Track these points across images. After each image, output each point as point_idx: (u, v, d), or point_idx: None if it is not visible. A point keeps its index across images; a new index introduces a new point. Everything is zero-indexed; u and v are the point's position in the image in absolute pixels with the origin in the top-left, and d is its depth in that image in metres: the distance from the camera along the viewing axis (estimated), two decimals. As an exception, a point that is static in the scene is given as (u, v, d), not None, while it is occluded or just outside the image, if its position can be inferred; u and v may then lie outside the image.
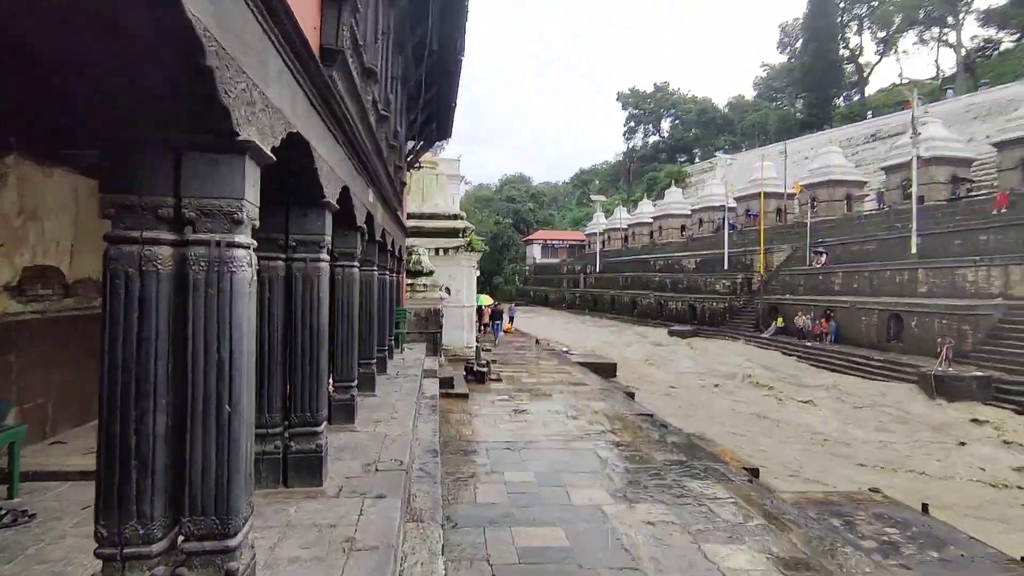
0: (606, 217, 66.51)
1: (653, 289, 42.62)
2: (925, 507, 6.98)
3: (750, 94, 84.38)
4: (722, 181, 49.36)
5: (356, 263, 5.55)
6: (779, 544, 5.01)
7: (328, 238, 3.93)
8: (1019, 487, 9.86)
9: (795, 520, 5.68)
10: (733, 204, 44.18)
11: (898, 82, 65.84)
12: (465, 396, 10.89)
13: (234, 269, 2.15)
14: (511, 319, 29.31)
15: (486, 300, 24.99)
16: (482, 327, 24.13)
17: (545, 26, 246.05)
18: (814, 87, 64.53)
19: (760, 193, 39.09)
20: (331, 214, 4.02)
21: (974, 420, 14.16)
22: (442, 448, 6.83)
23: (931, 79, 60.78)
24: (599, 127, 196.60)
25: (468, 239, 16.03)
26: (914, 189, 26.30)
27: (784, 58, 76.00)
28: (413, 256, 14.46)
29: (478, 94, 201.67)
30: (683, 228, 53.30)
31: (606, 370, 17.67)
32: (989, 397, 15.89)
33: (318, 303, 3.86)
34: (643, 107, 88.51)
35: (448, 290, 15.91)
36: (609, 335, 33.17)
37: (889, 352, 21.42)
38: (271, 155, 2.40)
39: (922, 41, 62.21)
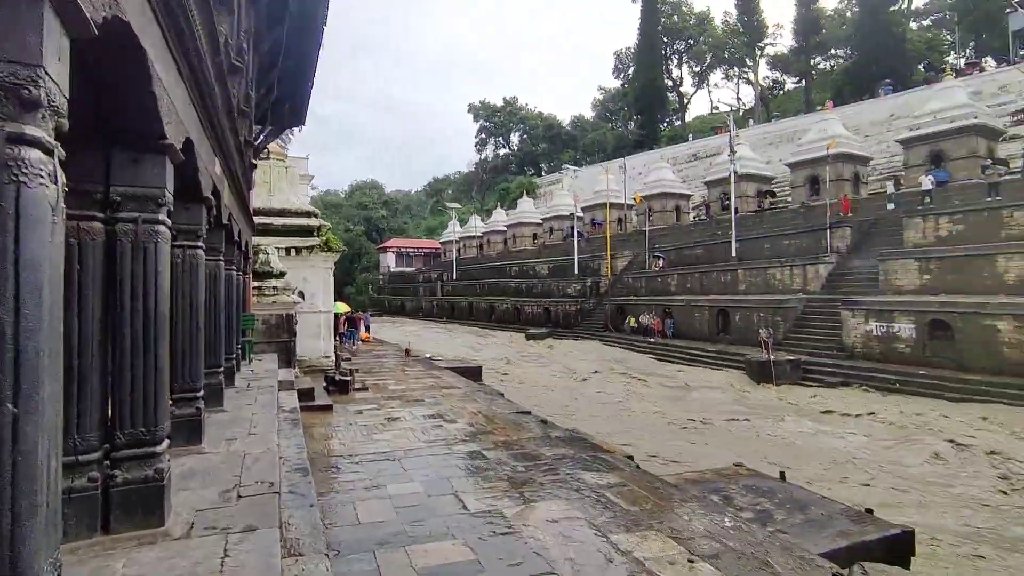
0: (461, 225, 66.82)
1: (509, 295, 43.52)
2: (782, 475, 7.63)
3: (589, 114, 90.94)
4: (569, 192, 52.28)
5: (201, 244, 4.48)
6: (679, 525, 4.97)
7: (169, 195, 2.97)
8: (848, 453, 11.39)
9: (685, 500, 5.76)
10: (580, 213, 46.97)
11: (710, 111, 75.76)
12: (328, 408, 9.76)
13: (23, 179, 1.32)
14: (367, 328, 27.82)
15: (342, 307, 23.32)
16: (338, 336, 22.43)
17: (399, 31, 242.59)
18: (644, 111, 71.56)
19: (605, 203, 42.02)
20: (173, 166, 3.06)
21: (793, 397, 16.30)
22: (312, 466, 5.86)
23: (735, 110, 70.70)
24: (451, 137, 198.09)
25: (324, 238, 14.66)
26: (732, 201, 30.07)
27: (618, 83, 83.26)
28: (261, 256, 12.79)
29: (324, 98, 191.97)
30: (535, 236, 55.41)
31: (472, 373, 17.33)
32: (800, 377, 18.48)
33: (155, 280, 2.88)
34: (494, 120, 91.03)
35: (302, 294, 14.38)
36: (470, 340, 33.03)
37: (719, 343, 24.05)
38: (87, 15, 1.57)
39: (728, 77, 72.41)
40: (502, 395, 13.38)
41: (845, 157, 30.11)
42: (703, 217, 38.90)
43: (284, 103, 9.82)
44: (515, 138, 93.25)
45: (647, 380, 19.67)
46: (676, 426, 13.57)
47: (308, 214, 15.10)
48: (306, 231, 14.66)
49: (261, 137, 12.21)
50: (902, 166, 29.03)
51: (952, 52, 52.78)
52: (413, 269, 70.47)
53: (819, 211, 27.22)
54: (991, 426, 12.35)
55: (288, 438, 6.52)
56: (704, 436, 12.54)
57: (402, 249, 74.97)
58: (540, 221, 54.83)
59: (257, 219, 13.95)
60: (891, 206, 25.94)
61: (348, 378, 11.61)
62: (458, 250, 61.53)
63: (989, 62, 45.54)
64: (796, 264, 24.26)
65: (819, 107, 45.95)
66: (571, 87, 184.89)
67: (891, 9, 50.26)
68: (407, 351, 19.57)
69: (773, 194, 36.45)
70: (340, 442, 7.70)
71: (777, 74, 67.82)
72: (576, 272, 38.56)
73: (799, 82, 64.02)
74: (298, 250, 14.44)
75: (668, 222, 40.47)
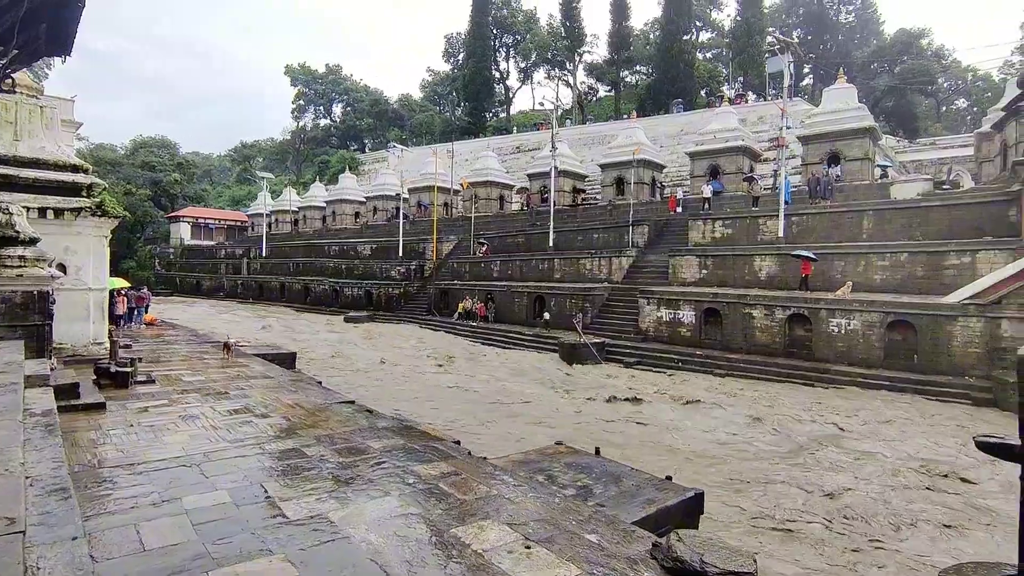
0: (274, 198, 61.07)
1: (328, 275, 41.07)
2: (597, 450, 8.24)
3: (418, 95, 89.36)
4: (396, 172, 50.92)
5: None
6: (513, 510, 5.01)
7: None
8: (635, 422, 12.78)
9: (517, 484, 5.85)
10: (407, 195, 46.05)
11: (533, 108, 79.66)
12: (100, 406, 8.03)
13: None
14: (146, 308, 23.72)
15: (120, 283, 19.56)
16: (116, 319, 18.82)
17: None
18: (472, 98, 72.59)
19: (433, 187, 41.72)
20: None
21: (598, 376, 17.93)
22: (76, 483, 4.70)
23: (557, 107, 75.27)
24: (263, 99, 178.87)
25: (98, 199, 12.00)
26: (552, 194, 31.99)
27: (448, 67, 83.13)
28: (1, 216, 9.98)
29: (101, 30, 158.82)
30: (358, 215, 53.05)
31: (286, 360, 15.89)
32: (604, 358, 20.45)
33: None
34: (314, 87, 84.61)
35: (63, 267, 11.65)
36: (282, 324, 30.37)
37: (536, 328, 25.51)
38: None
39: (550, 77, 76.60)
40: (320, 383, 12.45)
41: (646, 163, 33.97)
42: (525, 208, 40.80)
43: (40, 20, 7.70)
44: (338, 109, 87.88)
45: (469, 363, 20.04)
46: (498, 407, 13.99)
47: (75, 168, 12.23)
48: (71, 189, 11.87)
49: (3, 60, 9.58)
50: (688, 175, 33.69)
51: (726, 83, 62.74)
52: (213, 243, 62.57)
53: (624, 210, 30.33)
54: (745, 394, 15.01)
55: (39, 450, 5.15)
56: (525, 415, 13.13)
57: (200, 220, 66.01)
58: (364, 199, 52.61)
59: (-6, 169, 10.99)
60: (679, 209, 29.97)
61: (128, 369, 9.70)
62: (269, 225, 56.20)
63: (751, 96, 55.39)
64: (604, 256, 26.74)
65: (626, 116, 51.17)
66: (400, 65, 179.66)
67: (684, 38, 57.83)
68: (227, 346, 14.06)
69: (584, 191, 39.68)
70: (118, 449, 6.34)
71: (592, 81, 73.86)
72: (401, 254, 37.78)
73: (610, 91, 70.50)
74: (58, 212, 11.63)
75: (493, 210, 41.68)
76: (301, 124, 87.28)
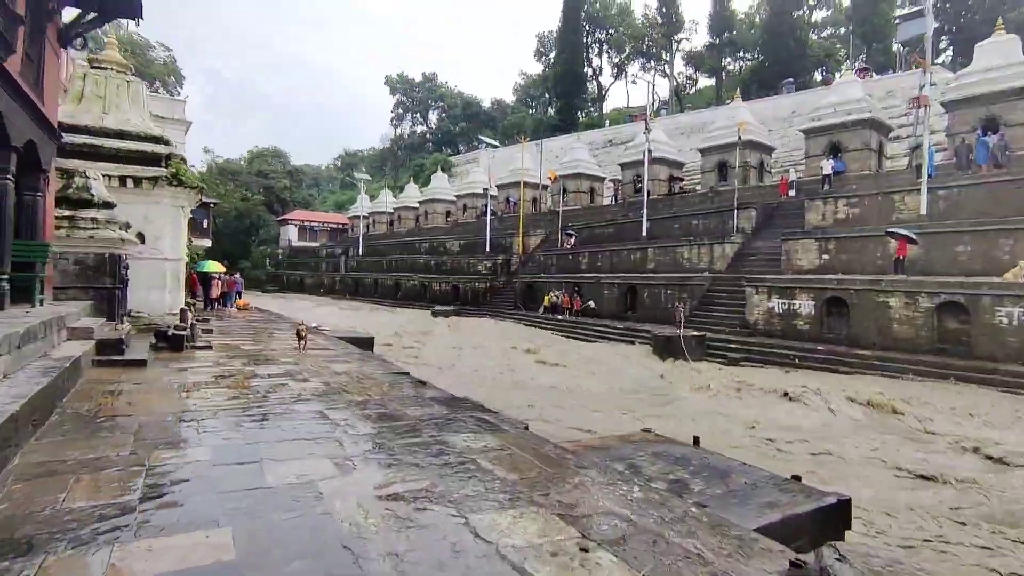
0: (371, 200, 63.34)
1: (418, 272, 41.39)
2: (696, 440, 6.50)
3: (510, 98, 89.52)
4: (485, 170, 50.65)
5: None
6: (572, 498, 3.52)
7: None
8: (749, 424, 10.70)
9: (582, 467, 4.35)
10: (495, 192, 45.51)
11: (627, 104, 76.83)
12: (141, 363, 7.51)
13: None
14: (239, 294, 24.26)
15: (216, 267, 20.25)
16: (209, 302, 19.46)
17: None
18: (564, 95, 71.17)
19: (520, 182, 40.82)
20: None
21: (696, 372, 15.76)
22: (47, 428, 3.85)
23: (654, 100, 72.05)
24: (366, 109, 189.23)
25: (175, 169, 12.00)
26: (645, 179, 29.78)
27: (540, 67, 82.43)
28: (77, 180, 10.05)
29: (228, 58, 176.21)
30: (448, 213, 53.43)
31: (362, 343, 15.33)
32: (704, 353, 18.13)
33: None
34: (412, 95, 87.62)
35: (142, 236, 11.71)
36: (371, 316, 30.72)
37: (627, 320, 23.51)
38: None
39: (645, 70, 73.49)
40: (383, 359, 11.58)
41: (752, 144, 30.70)
42: (618, 200, 38.71)
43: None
44: (433, 116, 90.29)
45: (551, 355, 18.57)
46: (579, 399, 12.43)
47: (155, 139, 12.34)
48: (150, 159, 11.94)
49: (76, 26, 9.57)
50: (803, 156, 29.99)
51: (846, 62, 56.45)
52: (317, 244, 66.06)
53: (727, 195, 27.44)
54: (886, 398, 12.26)
55: (11, 387, 4.42)
56: (604, 407, 11.46)
57: (305, 222, 70.02)
58: (454, 198, 52.88)
59: (81, 138, 11.16)
60: (791, 192, 26.64)
61: (183, 332, 9.30)
62: (367, 226, 58.19)
63: (874, 75, 49.25)
64: (704, 243, 24.17)
65: (728, 102, 47.35)
66: (493, 70, 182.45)
67: (796, 15, 52.82)
68: (299, 334, 10.71)
69: (681, 179, 36.87)
70: (127, 402, 5.59)
71: (691, 70, 69.82)
72: (488, 250, 37.12)
73: (711, 78, 66.23)
74: (137, 181, 11.71)
75: (583, 203, 39.96)
76: (399, 132, 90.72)
